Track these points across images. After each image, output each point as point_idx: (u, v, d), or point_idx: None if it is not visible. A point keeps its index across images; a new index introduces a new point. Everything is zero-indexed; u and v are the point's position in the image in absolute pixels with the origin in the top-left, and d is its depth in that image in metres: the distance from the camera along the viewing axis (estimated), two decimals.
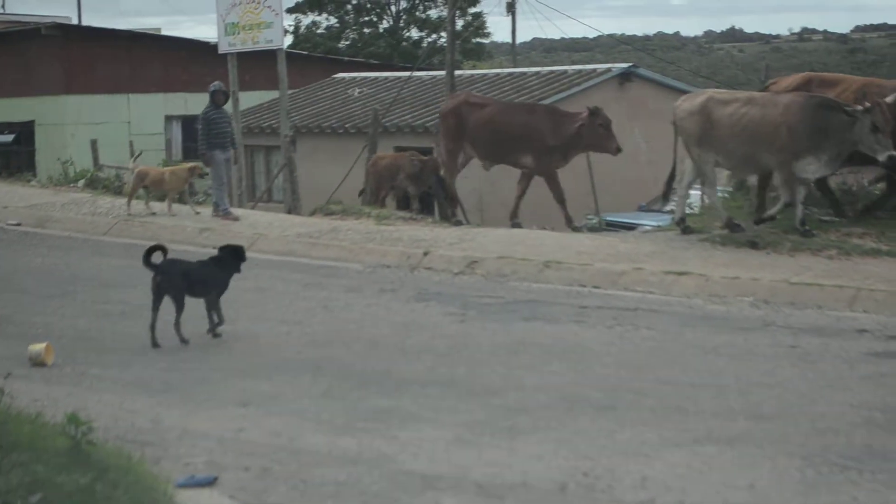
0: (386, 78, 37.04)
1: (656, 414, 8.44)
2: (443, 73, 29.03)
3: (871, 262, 15.11)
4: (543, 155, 19.52)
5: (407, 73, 34.18)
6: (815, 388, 9.34)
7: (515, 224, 19.45)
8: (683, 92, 34.87)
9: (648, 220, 23.70)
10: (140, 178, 20.89)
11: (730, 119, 16.42)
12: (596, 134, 19.10)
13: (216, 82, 20.28)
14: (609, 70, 34.10)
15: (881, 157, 15.75)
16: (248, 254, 12.25)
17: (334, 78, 38.55)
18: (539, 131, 19.40)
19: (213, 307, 11.46)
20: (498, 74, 37.15)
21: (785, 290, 13.85)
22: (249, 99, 34.29)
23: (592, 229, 22.42)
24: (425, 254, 16.54)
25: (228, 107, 21.49)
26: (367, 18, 63.26)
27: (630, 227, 22.66)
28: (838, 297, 13.58)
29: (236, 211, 20.57)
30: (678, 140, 17.82)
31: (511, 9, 54.67)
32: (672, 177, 19.18)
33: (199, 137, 20.14)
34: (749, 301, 13.58)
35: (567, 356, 10.52)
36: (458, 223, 19.60)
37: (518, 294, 14.01)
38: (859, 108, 15.69)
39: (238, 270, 11.80)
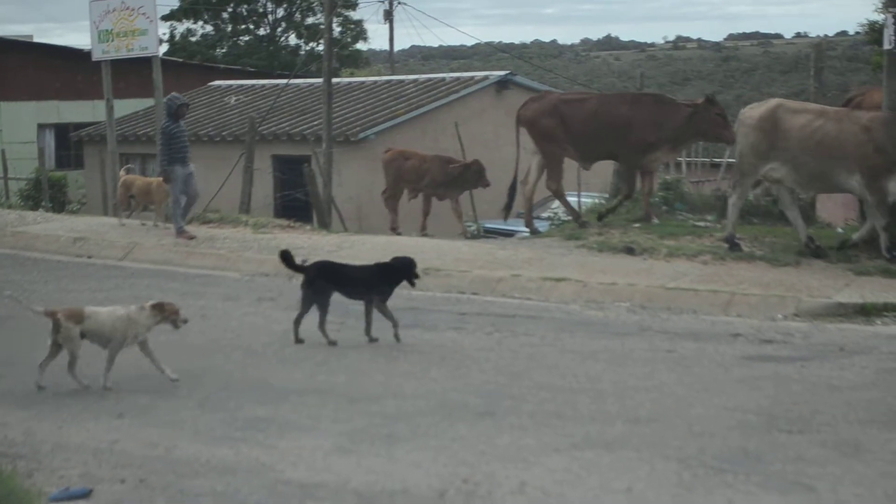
0: (263, 86, 36.85)
1: (535, 419, 8.47)
2: (320, 80, 28.93)
3: (745, 267, 15.36)
4: (649, 147, 19.12)
5: (284, 81, 34.03)
6: (691, 392, 9.45)
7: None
8: None
9: (526, 227, 23.83)
10: (126, 187, 20.51)
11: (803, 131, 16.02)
12: (714, 123, 18.83)
13: (175, 94, 19.61)
14: (486, 78, 34.23)
15: None
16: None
17: (210, 86, 38.27)
18: (648, 122, 19.01)
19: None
20: (376, 82, 37.13)
21: (661, 295, 14.01)
22: (125, 107, 33.91)
23: (471, 236, 22.50)
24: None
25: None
26: (244, 26, 62.82)
27: (508, 234, 22.75)
28: (713, 301, 13.78)
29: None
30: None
31: (389, 16, 54.61)
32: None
33: (159, 152, 19.27)
34: (626, 306, 13.72)
35: (446, 363, 10.53)
36: (585, 223, 19.28)
37: (397, 301, 13.96)
38: None
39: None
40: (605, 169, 22.40)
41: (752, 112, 16.58)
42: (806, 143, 15.93)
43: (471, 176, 21.98)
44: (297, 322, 11.58)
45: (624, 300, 13.98)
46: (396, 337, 11.44)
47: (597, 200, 22.46)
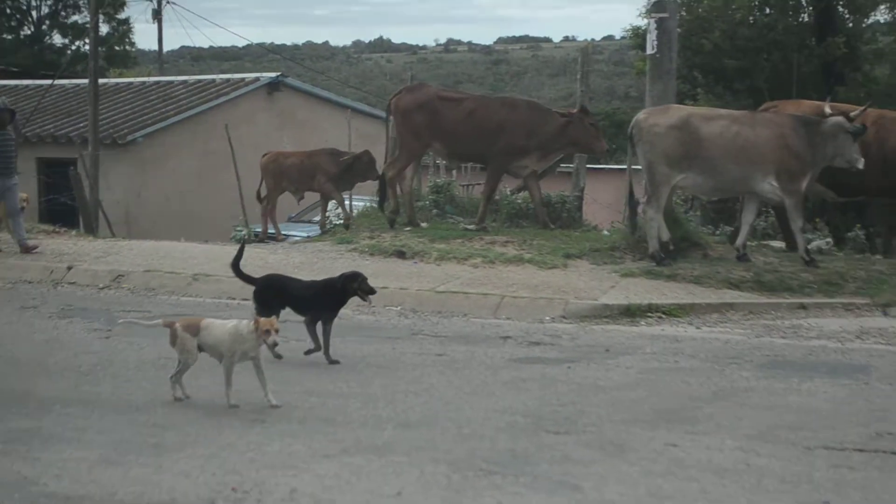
0: (27, 86, 35.89)
1: (305, 426, 8.43)
2: (86, 81, 28.34)
3: (514, 270, 15.60)
4: (523, 154, 18.94)
5: (49, 82, 33.23)
6: (460, 395, 9.54)
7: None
8: (333, 102, 35.49)
9: (298, 231, 23.78)
10: None
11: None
12: (587, 133, 18.80)
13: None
14: (257, 79, 34.10)
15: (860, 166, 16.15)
16: None
17: None
18: (521, 128, 18.86)
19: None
20: (144, 83, 36.58)
21: (432, 298, 14.13)
22: None
23: (241, 241, 22.31)
24: (69, 268, 16.13)
25: None
26: (6, 24, 61.00)
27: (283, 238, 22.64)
28: (483, 304, 13.95)
29: None
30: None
31: (157, 16, 53.85)
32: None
33: None
34: (397, 310, 13.80)
35: (215, 370, 10.38)
36: (417, 226, 19.00)
37: (166, 308, 13.80)
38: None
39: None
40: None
41: (658, 120, 16.45)
42: (728, 150, 16.12)
43: (362, 167, 21.41)
44: None
45: (395, 304, 14.05)
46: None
47: (368, 204, 22.54)
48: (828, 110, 16.63)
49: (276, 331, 9.11)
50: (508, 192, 22.18)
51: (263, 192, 22.33)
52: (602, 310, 13.92)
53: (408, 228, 18.93)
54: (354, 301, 11.40)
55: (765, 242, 19.50)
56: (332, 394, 9.44)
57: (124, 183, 29.59)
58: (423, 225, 19.29)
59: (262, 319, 9.19)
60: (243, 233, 23.39)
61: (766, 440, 8.20)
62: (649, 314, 13.88)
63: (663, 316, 13.93)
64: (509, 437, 8.14)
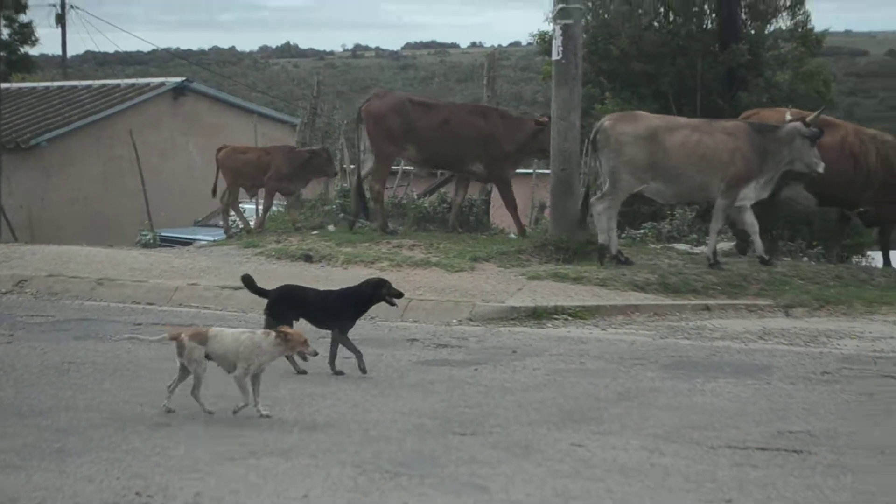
0: None
1: (210, 429, 8.37)
2: None
3: (421, 273, 15.62)
4: (498, 161, 19.13)
5: None
6: (367, 398, 9.52)
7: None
8: (240, 107, 35.32)
9: (204, 236, 23.64)
10: None
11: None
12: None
13: None
14: (163, 84, 33.82)
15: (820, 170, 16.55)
16: None
17: None
18: (494, 137, 18.99)
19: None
20: (48, 88, 36.17)
21: None
22: None
23: (147, 245, 22.12)
24: None
25: None
26: None
27: (186, 243, 22.53)
28: (390, 308, 13.91)
29: None
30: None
31: (61, 20, 53.22)
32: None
33: None
34: None
35: (120, 374, 10.31)
36: (394, 232, 18.75)
37: (69, 312, 13.65)
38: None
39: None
40: None
41: (626, 128, 16.69)
42: (691, 159, 16.51)
43: (319, 164, 20.94)
44: None
45: None
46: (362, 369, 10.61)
47: (276, 209, 22.45)
48: (788, 116, 17.08)
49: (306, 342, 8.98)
50: (416, 196, 22.20)
51: (220, 188, 21.82)
52: (509, 312, 13.97)
53: (315, 232, 18.87)
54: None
55: (669, 245, 19.70)
56: (238, 398, 9.37)
57: (27, 187, 29.23)
58: (331, 228, 19.27)
59: (290, 331, 9.05)
60: (149, 237, 23.18)
61: (671, 440, 8.27)
62: (555, 316, 13.97)
63: (569, 318, 14.02)
64: (416, 439, 8.14)
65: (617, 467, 7.45)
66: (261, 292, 11.05)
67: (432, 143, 19.08)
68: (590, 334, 13.17)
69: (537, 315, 13.94)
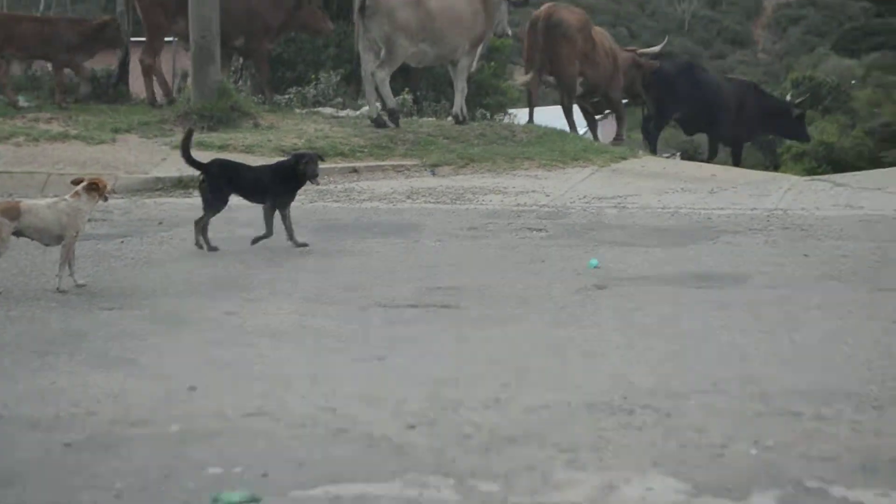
0: None
1: None
2: None
3: (60, 147, 15.12)
4: (259, 36, 18.87)
5: None
6: (8, 276, 9.18)
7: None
8: None
9: None
10: None
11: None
12: (314, 15, 19.20)
13: None
14: None
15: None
16: None
17: None
18: (258, 12, 18.71)
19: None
20: None
21: None
22: None
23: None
24: None
25: None
26: None
27: None
28: (29, 183, 13.48)
29: None
30: None
31: None
32: None
33: None
34: None
35: None
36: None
37: None
38: None
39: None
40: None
41: None
42: (451, 21, 17.22)
43: (108, 35, 19.40)
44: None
45: None
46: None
47: None
48: None
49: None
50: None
51: None
52: (154, 183, 13.71)
53: None
54: None
55: (315, 110, 19.66)
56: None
57: None
58: None
59: (96, 178, 8.86)
60: None
61: (322, 302, 8.29)
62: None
63: None
64: (62, 316, 7.89)
65: (269, 332, 7.41)
66: (196, 165, 10.60)
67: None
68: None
69: (183, 185, 13.70)
